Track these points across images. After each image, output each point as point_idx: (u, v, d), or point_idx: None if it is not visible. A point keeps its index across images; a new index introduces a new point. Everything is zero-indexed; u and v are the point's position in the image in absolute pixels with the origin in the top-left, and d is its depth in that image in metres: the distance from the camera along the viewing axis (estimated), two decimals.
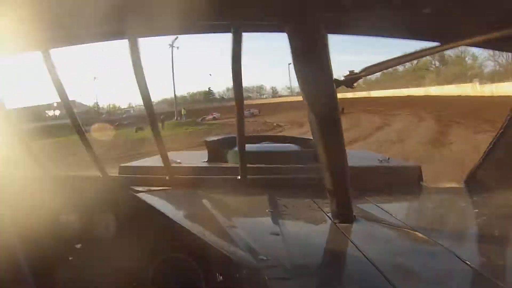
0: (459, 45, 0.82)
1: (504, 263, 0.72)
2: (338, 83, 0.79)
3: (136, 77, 0.86)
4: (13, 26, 0.71)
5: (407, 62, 0.83)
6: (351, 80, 0.81)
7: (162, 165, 1.13)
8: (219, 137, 1.75)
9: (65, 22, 0.77)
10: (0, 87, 1.01)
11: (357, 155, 1.75)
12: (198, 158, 1.60)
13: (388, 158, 1.47)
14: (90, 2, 0.71)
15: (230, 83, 0.87)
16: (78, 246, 0.99)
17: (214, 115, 24.04)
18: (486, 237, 0.89)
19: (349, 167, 0.88)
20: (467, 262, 0.67)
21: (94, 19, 0.73)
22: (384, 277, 0.62)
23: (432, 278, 0.63)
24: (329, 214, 0.93)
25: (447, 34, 0.79)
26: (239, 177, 1.18)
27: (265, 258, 0.70)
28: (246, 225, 0.90)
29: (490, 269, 0.66)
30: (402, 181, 1.30)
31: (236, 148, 1.10)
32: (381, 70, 0.84)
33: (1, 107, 1.04)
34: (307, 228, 0.93)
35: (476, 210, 1.13)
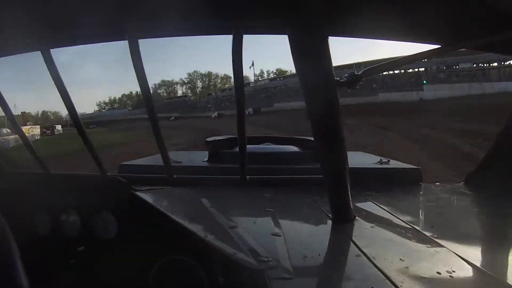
0: (460, 47, 0.82)
1: (503, 261, 0.73)
2: (340, 84, 0.79)
3: (137, 78, 0.86)
4: (14, 25, 0.71)
5: (408, 63, 0.83)
6: (352, 82, 0.81)
7: (162, 164, 1.13)
8: (220, 137, 1.75)
9: (65, 22, 0.77)
10: (2, 87, 1.01)
11: (357, 156, 1.76)
12: (198, 158, 1.60)
13: (388, 160, 1.47)
14: (92, 3, 0.70)
15: None
16: (81, 248, 0.99)
17: None
18: (486, 235, 0.90)
19: (350, 168, 0.88)
20: (467, 260, 0.68)
21: (95, 20, 0.74)
22: (385, 276, 0.62)
23: (433, 276, 0.63)
24: (329, 214, 0.94)
25: (448, 36, 0.79)
26: (239, 177, 1.19)
27: (266, 259, 0.70)
28: (247, 225, 0.90)
29: (489, 266, 0.66)
30: (402, 182, 1.31)
31: (237, 149, 1.10)
32: (382, 72, 0.84)
33: (4, 106, 1.04)
34: (308, 229, 0.93)
35: (476, 209, 1.14)
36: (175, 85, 64.38)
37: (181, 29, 0.86)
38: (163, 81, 66.04)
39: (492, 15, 0.70)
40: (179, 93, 61.87)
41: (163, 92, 65.10)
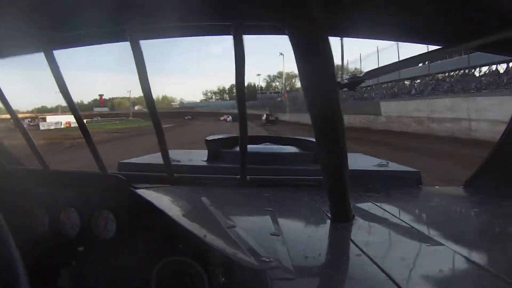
0: (462, 48, 0.82)
1: (504, 259, 0.73)
2: (341, 85, 0.79)
3: (139, 78, 0.87)
4: (16, 26, 0.71)
5: (409, 66, 0.83)
6: (353, 83, 0.81)
7: (162, 162, 1.13)
8: (220, 137, 1.75)
9: (68, 23, 0.77)
10: (4, 85, 1.01)
11: (356, 158, 1.75)
12: (198, 157, 1.60)
13: (387, 162, 1.47)
14: (93, 4, 0.71)
15: None
16: (81, 249, 0.99)
17: None
18: (486, 235, 0.91)
19: (349, 170, 0.88)
20: (468, 259, 0.68)
21: (96, 21, 0.74)
22: (386, 275, 0.63)
23: (433, 276, 0.63)
24: (329, 214, 0.94)
25: (449, 37, 0.79)
26: (238, 177, 1.19)
27: (267, 259, 0.70)
28: (247, 225, 0.90)
29: (490, 265, 0.67)
30: (401, 185, 1.31)
31: (237, 148, 1.10)
32: (384, 74, 0.84)
33: (5, 103, 1.05)
34: (308, 229, 0.93)
35: (476, 211, 1.14)
36: (294, 78, 62.82)
37: (181, 30, 0.86)
38: (279, 72, 66.69)
39: (494, 14, 0.69)
40: (297, 85, 61.60)
41: (277, 85, 65.53)
